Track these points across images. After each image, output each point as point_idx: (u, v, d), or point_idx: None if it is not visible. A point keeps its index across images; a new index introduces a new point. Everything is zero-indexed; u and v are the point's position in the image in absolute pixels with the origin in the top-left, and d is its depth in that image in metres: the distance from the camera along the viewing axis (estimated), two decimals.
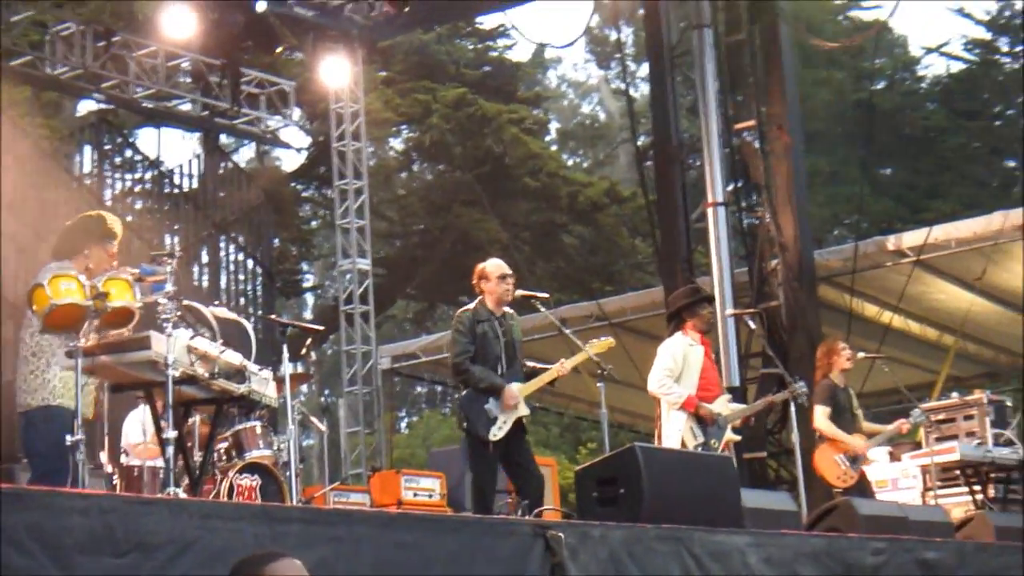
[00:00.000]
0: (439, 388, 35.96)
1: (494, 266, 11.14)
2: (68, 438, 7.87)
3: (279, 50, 22.63)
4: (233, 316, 10.17)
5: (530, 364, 11.20)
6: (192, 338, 8.74)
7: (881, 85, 40.07)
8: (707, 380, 11.90)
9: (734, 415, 11.99)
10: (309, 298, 42.36)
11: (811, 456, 13.24)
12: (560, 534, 7.25)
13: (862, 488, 12.96)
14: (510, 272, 11.10)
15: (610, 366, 11.21)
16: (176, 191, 24.84)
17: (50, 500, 5.47)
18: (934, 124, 39.60)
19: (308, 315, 40.05)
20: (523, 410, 10.83)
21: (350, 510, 10.92)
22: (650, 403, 12.50)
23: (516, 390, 10.76)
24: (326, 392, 39.08)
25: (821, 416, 12.98)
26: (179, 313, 8.67)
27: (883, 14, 38.51)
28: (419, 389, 43.88)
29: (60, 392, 8.28)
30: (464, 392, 10.94)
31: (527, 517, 9.90)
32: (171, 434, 8.32)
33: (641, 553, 7.83)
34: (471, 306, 11.05)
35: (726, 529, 8.66)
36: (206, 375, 8.72)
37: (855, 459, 12.98)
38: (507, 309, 11.11)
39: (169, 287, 8.59)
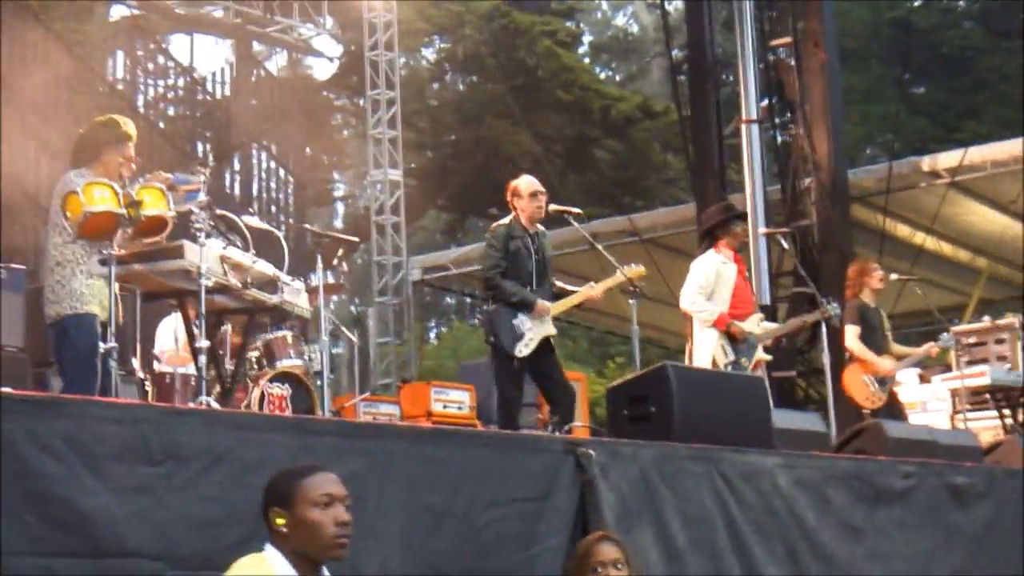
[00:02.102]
0: (468, 299, 35.95)
1: (526, 183, 11.09)
2: (101, 346, 7.89)
3: None
4: (266, 226, 10.19)
5: (559, 284, 11.18)
6: (225, 248, 8.76)
7: (918, 2, 39.67)
8: (739, 298, 11.83)
9: (766, 334, 11.95)
10: (340, 207, 42.34)
11: (840, 376, 13.23)
12: (591, 451, 7.25)
13: (892, 409, 12.92)
14: (543, 189, 11.05)
15: (642, 284, 11.18)
16: (208, 98, 24.81)
17: (85, 409, 5.47)
18: (971, 43, 39.19)
19: (339, 224, 40.04)
20: (550, 328, 10.83)
21: (382, 424, 10.95)
22: (680, 319, 12.48)
23: (547, 304, 10.76)
24: (355, 301, 39.14)
25: (852, 335, 12.93)
26: (212, 223, 8.67)
27: None
28: (448, 300, 43.88)
29: (87, 299, 8.23)
30: (492, 307, 10.93)
31: (557, 434, 9.93)
32: (203, 343, 8.36)
33: (671, 472, 7.83)
34: (505, 221, 11.01)
35: (756, 450, 8.66)
36: (239, 285, 8.75)
37: (883, 381, 12.95)
38: (539, 227, 11.08)
39: (202, 196, 8.60)
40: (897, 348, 13.47)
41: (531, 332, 10.66)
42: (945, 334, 13.99)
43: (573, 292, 11.14)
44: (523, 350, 10.63)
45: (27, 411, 5.22)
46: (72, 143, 8.82)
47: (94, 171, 8.41)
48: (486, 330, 11.08)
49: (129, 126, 8.74)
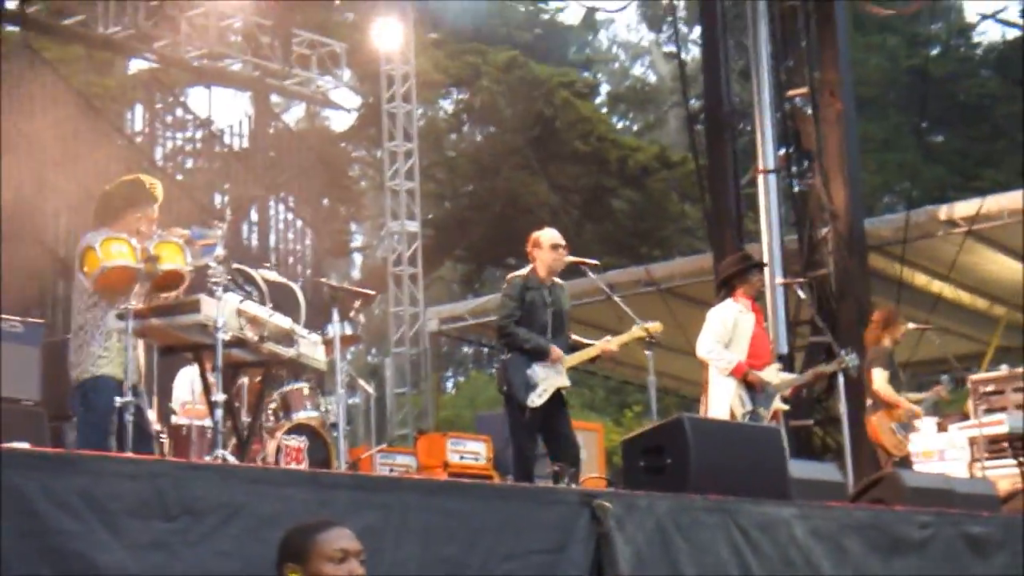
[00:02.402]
0: (485, 349, 35.98)
1: (548, 235, 11.10)
2: (118, 401, 7.91)
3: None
4: (283, 279, 10.22)
5: (575, 338, 11.19)
6: (242, 302, 8.77)
7: (935, 51, 39.75)
8: (757, 348, 11.81)
9: (783, 384, 11.93)
10: (357, 258, 42.44)
11: (861, 424, 13.21)
12: (607, 503, 7.25)
13: (904, 459, 12.96)
14: (563, 243, 11.06)
15: (659, 336, 11.19)
16: (226, 151, 24.92)
17: (100, 465, 5.51)
18: (988, 91, 39.26)
19: (356, 274, 40.13)
20: (564, 380, 10.82)
21: (398, 477, 10.96)
22: (697, 368, 12.45)
23: (561, 352, 10.77)
24: (372, 351, 39.16)
25: (881, 379, 12.95)
26: (229, 276, 8.70)
27: None
28: (466, 350, 43.86)
29: (104, 362, 8.28)
30: (507, 356, 10.93)
31: (573, 486, 9.92)
32: (220, 397, 8.36)
33: (687, 524, 7.83)
34: (523, 272, 11.03)
35: (773, 501, 8.65)
36: (255, 339, 8.76)
37: (906, 427, 12.97)
38: (557, 279, 11.10)
39: (219, 251, 8.61)
40: (910, 396, 13.50)
41: (545, 382, 10.66)
42: (945, 376, 14.05)
43: (589, 344, 11.16)
44: (536, 400, 10.62)
45: (44, 467, 5.26)
46: (96, 201, 8.87)
47: (115, 231, 8.45)
48: (499, 380, 11.08)
49: (156, 187, 8.78)
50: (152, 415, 10.77)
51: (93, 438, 7.97)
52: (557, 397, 10.78)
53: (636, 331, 11.07)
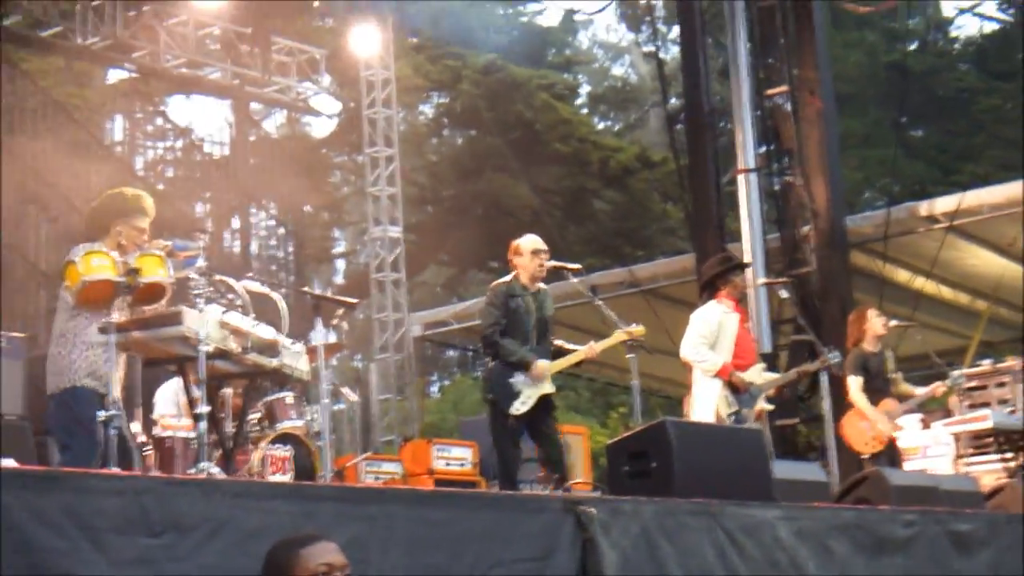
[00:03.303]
0: (470, 353, 35.96)
1: (528, 241, 11.12)
2: (101, 414, 7.90)
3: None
4: (265, 290, 10.21)
5: (558, 343, 11.21)
6: (224, 313, 8.77)
7: (913, 46, 39.81)
8: (741, 348, 11.83)
9: (767, 384, 11.94)
10: (340, 264, 42.42)
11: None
12: (592, 510, 7.26)
13: (891, 455, 12.95)
14: (545, 248, 11.07)
15: (642, 339, 11.23)
16: (207, 159, 24.90)
17: (85, 482, 5.50)
18: (967, 85, 39.37)
19: (339, 280, 40.12)
20: (549, 387, 10.85)
21: (382, 488, 10.95)
22: (681, 369, 12.47)
23: (544, 365, 10.78)
24: (357, 357, 39.12)
25: (855, 387, 12.94)
26: (211, 288, 8.69)
27: None
28: (450, 353, 43.77)
29: (84, 373, 8.28)
30: (491, 364, 10.95)
31: (558, 492, 9.93)
32: (204, 409, 8.35)
33: (672, 528, 7.84)
34: (506, 279, 11.04)
35: (757, 503, 8.66)
36: (239, 350, 8.75)
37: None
38: (541, 285, 11.11)
39: (201, 262, 8.61)
40: (905, 388, 13.47)
41: (529, 390, 10.69)
42: (955, 372, 14.04)
43: (573, 350, 11.18)
44: (520, 408, 10.65)
45: (28, 485, 5.25)
46: (84, 216, 8.88)
47: (106, 244, 8.46)
48: (484, 388, 11.10)
49: (143, 199, 8.78)
50: (137, 427, 10.80)
51: (77, 450, 7.96)
52: (543, 403, 10.80)
53: (619, 335, 11.11)
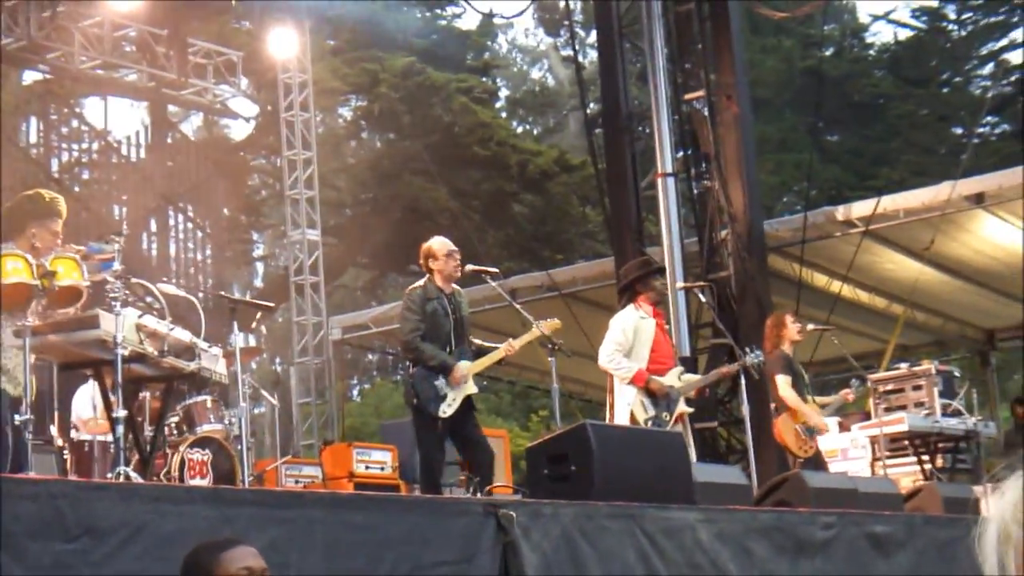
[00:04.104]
0: (390, 357, 35.92)
1: (440, 244, 11.13)
2: (17, 418, 7.81)
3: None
4: (182, 293, 10.15)
5: (477, 342, 11.23)
6: (141, 316, 8.70)
7: (829, 52, 40.18)
8: (659, 353, 11.84)
9: (686, 387, 11.97)
10: (259, 267, 42.23)
11: (765, 425, 13.28)
12: (512, 513, 7.26)
13: (817, 459, 13.03)
14: (456, 249, 11.10)
15: (560, 341, 11.28)
16: (124, 162, 24.70)
17: None
18: (882, 91, 39.80)
19: (259, 283, 39.95)
20: (471, 388, 10.87)
21: (301, 492, 10.92)
22: (601, 373, 12.50)
23: (465, 368, 10.79)
24: (277, 361, 38.99)
25: (784, 385, 12.97)
26: (127, 291, 8.62)
27: None
28: (370, 357, 43.78)
29: None
30: (412, 369, 10.94)
31: (479, 495, 9.92)
32: (121, 413, 8.27)
33: (593, 530, 7.85)
34: (421, 283, 11.05)
35: (677, 505, 8.69)
36: (155, 353, 8.68)
37: (811, 429, 13.03)
38: (455, 286, 11.13)
39: (117, 265, 8.54)
40: (817, 399, 13.55)
41: (453, 392, 10.70)
42: (855, 380, 14.14)
43: (492, 349, 11.19)
44: (446, 411, 10.67)
45: None
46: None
47: (19, 245, 8.35)
48: (407, 392, 11.09)
49: (57, 202, 8.69)
50: (54, 430, 10.68)
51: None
52: (466, 404, 10.82)
53: (535, 331, 11.14)
